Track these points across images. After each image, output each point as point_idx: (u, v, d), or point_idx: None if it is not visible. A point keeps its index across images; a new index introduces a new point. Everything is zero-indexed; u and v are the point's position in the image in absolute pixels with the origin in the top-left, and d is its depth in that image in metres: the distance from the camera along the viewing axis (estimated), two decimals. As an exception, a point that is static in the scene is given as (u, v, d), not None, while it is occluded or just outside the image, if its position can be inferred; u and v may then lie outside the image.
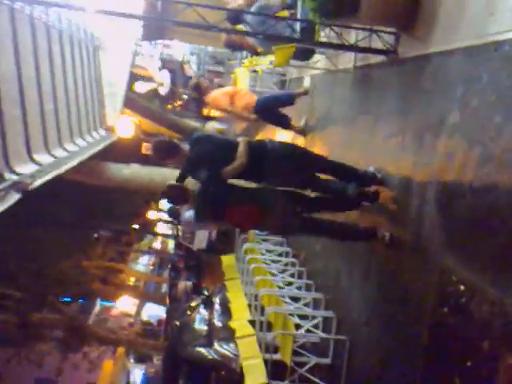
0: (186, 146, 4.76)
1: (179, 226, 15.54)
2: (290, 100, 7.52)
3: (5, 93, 6.43)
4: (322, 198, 5.01)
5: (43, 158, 8.07)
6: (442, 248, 3.73)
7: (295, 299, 6.58)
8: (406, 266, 4.29)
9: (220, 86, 12.14)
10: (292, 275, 7.34)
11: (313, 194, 5.07)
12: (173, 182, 4.89)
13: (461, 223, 3.57)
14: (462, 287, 3.45)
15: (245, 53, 8.46)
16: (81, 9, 5.12)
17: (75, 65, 9.85)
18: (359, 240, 5.02)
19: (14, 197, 6.27)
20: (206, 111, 18.23)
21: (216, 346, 7.47)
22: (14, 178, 6.53)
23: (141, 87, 15.96)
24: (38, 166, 7.52)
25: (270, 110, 7.48)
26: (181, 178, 4.89)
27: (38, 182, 7.07)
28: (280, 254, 8.24)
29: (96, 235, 22.04)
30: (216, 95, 7.47)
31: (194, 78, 7.71)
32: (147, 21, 7.49)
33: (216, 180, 4.54)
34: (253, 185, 4.96)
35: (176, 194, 4.87)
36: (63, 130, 9.35)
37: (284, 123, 7.90)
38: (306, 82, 7.41)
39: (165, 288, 22.09)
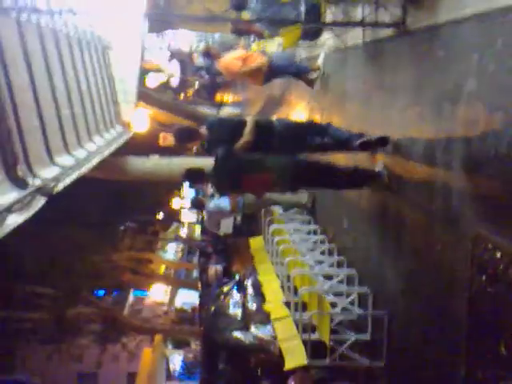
0: (203, 131, 5.39)
1: (203, 212, 15.67)
2: (304, 69, 7.46)
3: (20, 102, 6.51)
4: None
5: (65, 159, 8.17)
6: (474, 215, 3.70)
7: (328, 277, 6.58)
8: (438, 235, 4.26)
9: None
10: (322, 253, 7.31)
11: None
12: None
13: (491, 188, 3.54)
14: (499, 254, 3.42)
15: (252, 37, 8.38)
16: (86, 12, 5.17)
17: (86, 66, 9.92)
18: (362, 183, 5.51)
19: (40, 201, 6.40)
20: (218, 97, 18.29)
21: (252, 329, 7.57)
22: (38, 182, 6.63)
23: (152, 80, 16.00)
24: (61, 169, 7.63)
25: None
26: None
27: (62, 185, 7.18)
28: (308, 233, 8.20)
29: (123, 227, 22.30)
30: (228, 60, 7.26)
31: (204, 45, 7.51)
32: (154, 17, 7.47)
33: (229, 156, 5.15)
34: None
35: (194, 176, 5.65)
36: (81, 131, 9.45)
37: (298, 72, 7.71)
38: (320, 59, 7.33)
39: (195, 273, 22.35)
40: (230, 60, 7.18)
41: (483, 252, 3.58)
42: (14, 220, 5.49)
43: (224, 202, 8.41)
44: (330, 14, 5.55)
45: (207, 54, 7.64)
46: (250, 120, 5.29)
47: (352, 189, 5.81)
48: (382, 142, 5.13)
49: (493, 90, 3.47)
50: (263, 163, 5.24)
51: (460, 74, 3.84)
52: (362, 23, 5.06)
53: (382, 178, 5.23)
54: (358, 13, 5.22)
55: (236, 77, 7.78)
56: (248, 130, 5.18)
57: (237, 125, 5.36)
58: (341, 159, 6.08)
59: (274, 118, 5.66)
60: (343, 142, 5.42)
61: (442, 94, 4.15)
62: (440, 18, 4.14)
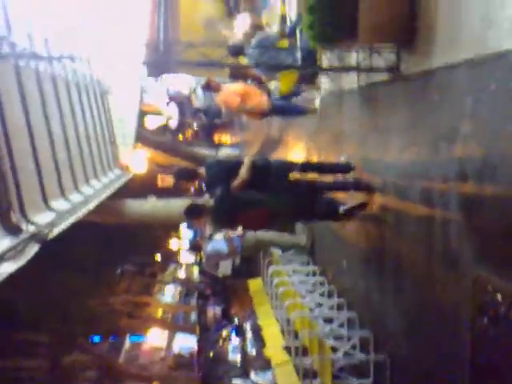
0: (202, 171, 5.70)
1: (201, 253, 15.58)
2: (302, 110, 7.62)
3: (16, 147, 6.51)
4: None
5: (60, 204, 8.11)
6: (473, 257, 3.67)
7: (328, 320, 6.49)
8: (439, 276, 4.21)
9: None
10: (322, 294, 7.24)
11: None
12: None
13: (490, 230, 3.50)
14: (499, 296, 3.37)
15: (249, 81, 8.54)
16: (85, 59, 5.25)
17: (84, 111, 9.99)
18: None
19: (34, 248, 6.32)
20: (217, 138, 18.48)
21: (252, 376, 7.41)
22: (32, 228, 6.55)
23: (151, 122, 16.15)
24: (56, 214, 7.56)
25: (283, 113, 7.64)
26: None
27: (57, 230, 7.10)
28: (307, 274, 8.15)
29: (120, 270, 22.06)
30: (227, 94, 7.35)
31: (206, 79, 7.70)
32: (152, 64, 7.60)
33: (227, 194, 5.49)
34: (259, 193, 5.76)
35: (195, 211, 5.87)
36: (78, 175, 9.44)
37: (301, 111, 7.85)
38: (316, 102, 7.46)
39: (194, 317, 22.01)
40: (229, 94, 7.28)
41: (484, 294, 3.52)
42: (7, 268, 5.41)
43: (221, 245, 8.34)
44: (325, 60, 5.65)
45: (207, 86, 7.75)
46: (246, 160, 5.61)
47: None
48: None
49: (488, 133, 3.49)
50: (259, 201, 5.56)
51: (454, 117, 3.87)
52: (357, 68, 5.14)
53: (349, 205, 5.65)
54: (353, 58, 5.31)
55: (234, 111, 8.08)
56: (244, 170, 5.49)
57: (234, 165, 5.69)
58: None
59: (270, 158, 5.84)
60: (327, 170, 6.19)
61: (437, 137, 4.16)
62: (433, 62, 4.18)
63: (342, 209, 5.63)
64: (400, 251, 5.04)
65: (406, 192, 4.82)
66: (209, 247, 8.44)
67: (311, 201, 5.68)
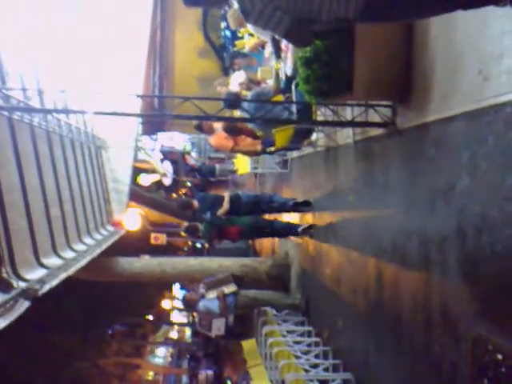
0: (195, 202, 8.15)
1: (194, 313, 15.27)
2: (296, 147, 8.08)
3: (9, 202, 6.42)
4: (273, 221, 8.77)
5: (52, 261, 7.97)
6: (473, 315, 3.57)
7: (324, 382, 6.28)
8: (437, 336, 4.09)
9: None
10: (317, 356, 7.06)
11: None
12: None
13: (489, 287, 3.43)
14: (500, 356, 3.25)
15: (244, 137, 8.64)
16: (80, 112, 5.26)
17: (78, 166, 9.98)
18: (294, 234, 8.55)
19: (24, 305, 6.16)
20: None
21: None
22: (23, 285, 6.41)
23: (145, 180, 16.19)
24: (47, 270, 7.41)
25: None
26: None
27: (47, 287, 6.95)
28: (302, 334, 7.98)
29: (110, 331, 21.56)
30: (219, 137, 7.99)
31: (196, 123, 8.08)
32: (147, 118, 7.69)
33: (214, 217, 7.90)
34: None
35: (192, 229, 8.34)
36: (70, 231, 9.31)
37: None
38: (313, 137, 7.48)
39: (185, 380, 21.36)
40: (222, 138, 7.89)
41: (484, 354, 3.41)
42: (-4, 325, 5.24)
43: (213, 305, 8.20)
44: (320, 115, 5.69)
45: (200, 128, 8.05)
46: (226, 195, 8.06)
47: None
48: (306, 203, 8.06)
49: (486, 187, 3.45)
50: (234, 221, 8.07)
51: (451, 172, 3.84)
52: (352, 123, 5.16)
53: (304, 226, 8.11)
54: (348, 113, 5.34)
55: (229, 152, 9.47)
56: (225, 202, 7.86)
57: (216, 198, 8.22)
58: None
59: (240, 192, 8.54)
60: (282, 204, 8.23)
61: (433, 192, 4.13)
62: (430, 117, 4.19)
63: (299, 229, 8.13)
64: (398, 311, 4.91)
65: (403, 249, 4.74)
66: (201, 305, 8.29)
67: (268, 224, 8.40)
